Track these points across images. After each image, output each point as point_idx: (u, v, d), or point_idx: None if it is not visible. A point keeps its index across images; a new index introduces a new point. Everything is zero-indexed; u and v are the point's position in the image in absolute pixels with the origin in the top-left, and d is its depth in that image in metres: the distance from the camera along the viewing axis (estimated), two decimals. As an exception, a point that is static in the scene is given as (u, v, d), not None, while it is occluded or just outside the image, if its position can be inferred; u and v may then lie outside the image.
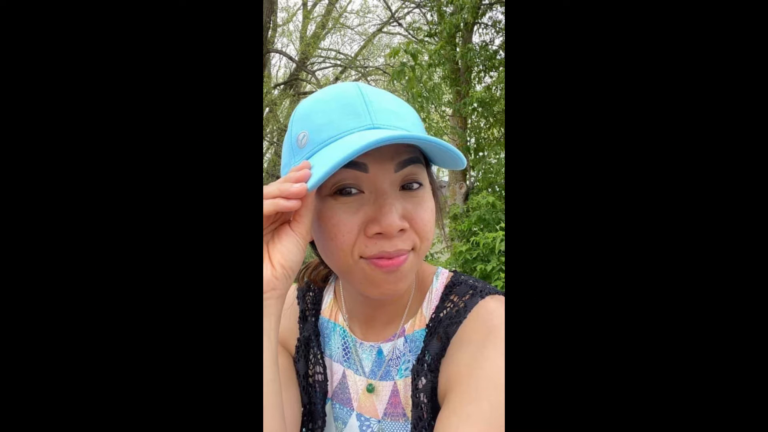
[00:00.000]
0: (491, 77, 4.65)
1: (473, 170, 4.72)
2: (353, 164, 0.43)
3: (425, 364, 0.52)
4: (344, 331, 0.59)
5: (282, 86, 8.03)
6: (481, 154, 4.63)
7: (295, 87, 8.01)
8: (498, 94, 4.34)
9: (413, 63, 3.53)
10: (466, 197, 4.38)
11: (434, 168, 0.54)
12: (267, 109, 7.12)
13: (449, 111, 4.99)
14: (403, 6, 6.70)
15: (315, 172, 0.41)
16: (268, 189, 0.42)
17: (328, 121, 0.45)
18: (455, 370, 0.48)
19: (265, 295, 0.41)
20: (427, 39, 5.25)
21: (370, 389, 0.56)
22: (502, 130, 4.55)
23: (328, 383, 0.59)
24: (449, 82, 4.73)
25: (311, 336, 0.61)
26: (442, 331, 0.52)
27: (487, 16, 4.63)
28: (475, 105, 4.25)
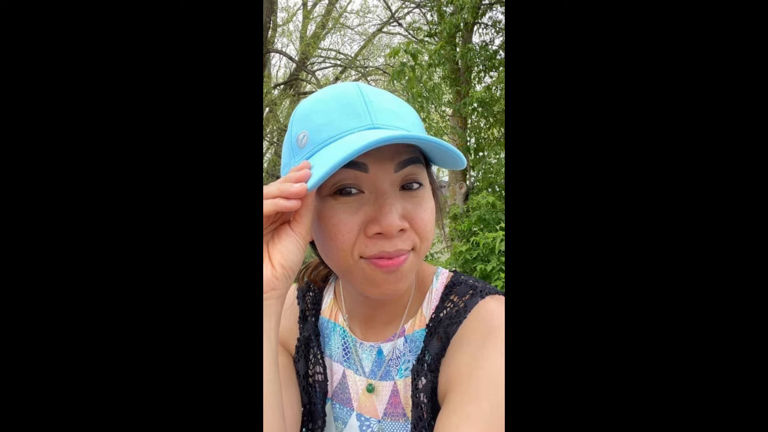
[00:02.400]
0: (491, 77, 4.65)
1: (473, 170, 4.72)
2: (353, 164, 0.43)
3: (425, 364, 0.52)
4: (344, 331, 0.59)
5: (282, 86, 8.03)
6: (481, 154, 4.63)
7: (295, 87, 8.00)
8: (498, 94, 4.34)
9: (413, 63, 3.53)
10: (466, 197, 4.38)
11: (434, 168, 0.54)
12: (267, 109, 7.12)
13: (449, 111, 4.98)
14: (403, 6, 6.70)
15: (315, 172, 0.41)
16: (268, 189, 0.42)
17: (328, 121, 0.45)
18: (455, 370, 0.48)
19: (265, 295, 0.41)
20: (427, 39, 5.25)
21: (370, 389, 0.56)
22: (502, 130, 4.55)
23: (328, 383, 0.59)
24: (449, 82, 4.73)
25: (311, 336, 0.61)
26: (442, 331, 0.52)
27: (487, 16, 4.63)
28: (475, 105, 4.25)
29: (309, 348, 0.61)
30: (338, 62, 8.85)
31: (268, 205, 0.41)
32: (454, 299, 0.54)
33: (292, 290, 0.67)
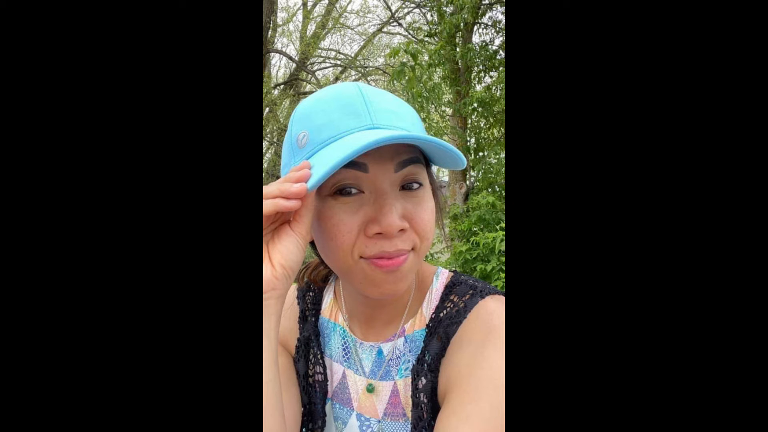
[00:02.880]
0: (491, 77, 4.65)
1: (473, 170, 4.72)
2: (353, 164, 0.43)
3: (425, 364, 0.52)
4: (344, 331, 0.59)
5: (282, 86, 8.02)
6: (481, 154, 4.63)
7: (295, 87, 8.00)
8: (498, 94, 4.34)
9: (413, 63, 3.53)
10: (466, 197, 4.38)
11: (434, 168, 0.54)
12: (267, 109, 7.12)
13: (449, 111, 4.98)
14: (403, 6, 6.70)
15: (315, 172, 0.41)
16: (268, 189, 0.42)
17: (328, 121, 0.45)
18: (455, 370, 0.48)
19: (265, 295, 0.41)
20: (427, 39, 5.25)
21: (370, 389, 0.56)
22: (502, 130, 4.55)
23: (328, 383, 0.59)
24: (449, 82, 4.73)
25: (311, 336, 0.61)
26: (442, 331, 0.52)
27: (487, 16, 4.63)
28: (475, 105, 4.25)
29: (309, 348, 0.61)
30: (338, 62, 8.85)
31: (268, 205, 0.41)
32: (454, 299, 0.54)
33: (292, 290, 0.67)
